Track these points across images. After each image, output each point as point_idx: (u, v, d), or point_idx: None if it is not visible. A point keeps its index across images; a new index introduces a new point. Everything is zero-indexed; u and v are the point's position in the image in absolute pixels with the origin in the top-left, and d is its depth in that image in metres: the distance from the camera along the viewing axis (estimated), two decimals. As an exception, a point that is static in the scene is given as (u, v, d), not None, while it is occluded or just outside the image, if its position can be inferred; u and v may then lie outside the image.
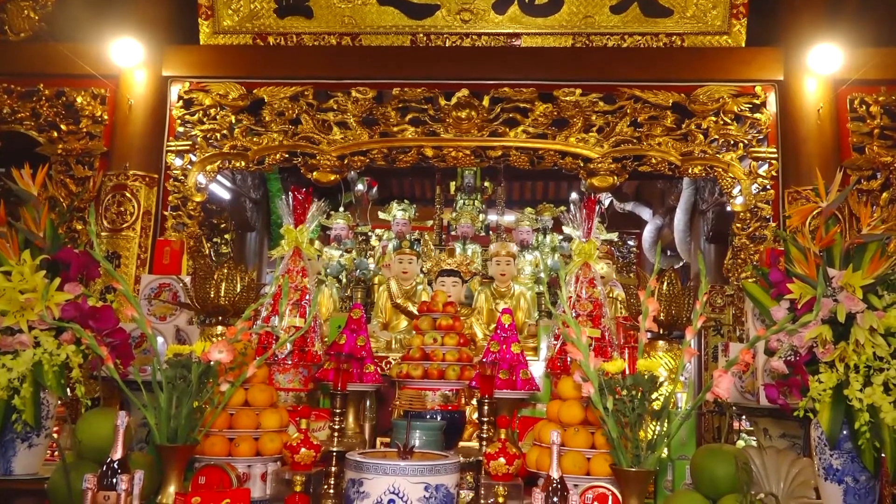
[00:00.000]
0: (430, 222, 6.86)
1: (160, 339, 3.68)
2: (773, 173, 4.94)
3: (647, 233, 9.09)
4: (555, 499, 2.03)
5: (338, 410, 2.79)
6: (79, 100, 5.16)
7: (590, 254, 3.24)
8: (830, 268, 2.38)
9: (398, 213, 6.08)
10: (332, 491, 2.71)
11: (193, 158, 5.19)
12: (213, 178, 5.31)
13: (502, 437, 2.54)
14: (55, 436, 2.90)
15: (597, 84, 5.11)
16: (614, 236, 6.44)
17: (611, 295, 4.58)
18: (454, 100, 5.07)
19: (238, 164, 5.27)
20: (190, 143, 5.19)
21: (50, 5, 5.31)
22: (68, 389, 2.72)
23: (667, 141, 5.05)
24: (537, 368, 3.76)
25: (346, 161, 5.21)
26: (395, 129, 5.18)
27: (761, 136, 5.00)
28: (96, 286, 4.35)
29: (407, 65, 5.21)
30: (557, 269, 5.05)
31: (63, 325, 2.60)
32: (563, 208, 6.27)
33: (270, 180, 8.13)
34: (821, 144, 4.83)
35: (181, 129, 5.21)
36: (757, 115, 5.01)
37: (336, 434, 2.76)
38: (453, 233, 6.43)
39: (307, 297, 3.37)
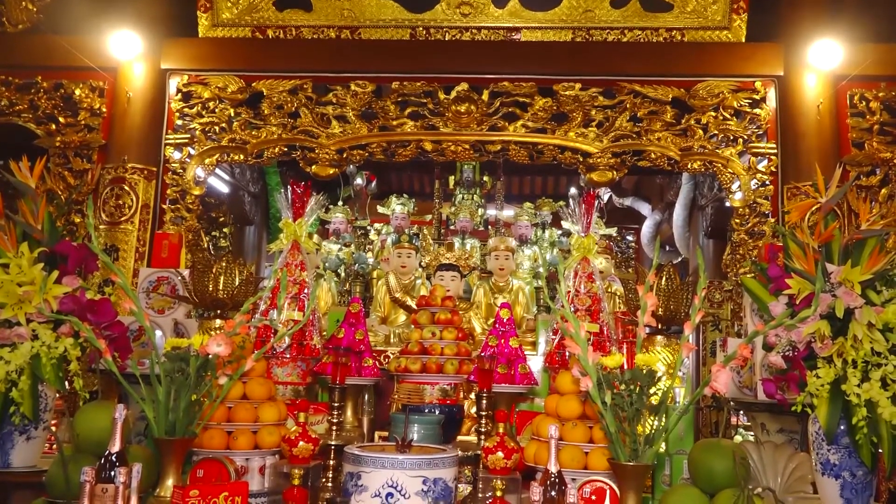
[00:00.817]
0: (428, 217, 6.85)
1: (158, 333, 3.68)
2: (773, 169, 4.94)
3: (646, 228, 9.10)
4: (553, 493, 2.03)
5: (336, 404, 2.80)
6: (77, 92, 5.14)
7: (589, 249, 3.24)
8: (829, 263, 2.38)
9: (397, 207, 6.07)
10: (330, 484, 2.71)
11: (192, 152, 5.17)
12: (211, 171, 5.30)
13: (500, 431, 2.55)
14: (53, 429, 2.90)
15: (596, 79, 5.10)
16: (613, 231, 6.43)
17: (609, 290, 4.58)
18: (453, 94, 5.05)
19: (237, 158, 5.25)
20: (188, 136, 5.18)
21: (48, -3, 5.29)
22: (66, 382, 2.72)
23: (666, 136, 5.04)
24: (535, 363, 3.76)
25: (344, 155, 5.20)
26: (395, 122, 5.16)
27: (761, 132, 5.00)
28: (94, 279, 4.34)
29: (406, 58, 5.20)
30: (556, 264, 5.05)
31: (61, 317, 2.60)
32: (561, 203, 6.26)
33: (269, 174, 8.12)
34: (820, 140, 4.83)
35: (180, 123, 5.20)
36: (756, 111, 5.00)
37: (334, 428, 2.77)
38: (452, 227, 6.42)
39: (305, 290, 3.37)
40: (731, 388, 3.47)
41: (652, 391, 2.21)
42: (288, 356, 3.26)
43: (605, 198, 8.82)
